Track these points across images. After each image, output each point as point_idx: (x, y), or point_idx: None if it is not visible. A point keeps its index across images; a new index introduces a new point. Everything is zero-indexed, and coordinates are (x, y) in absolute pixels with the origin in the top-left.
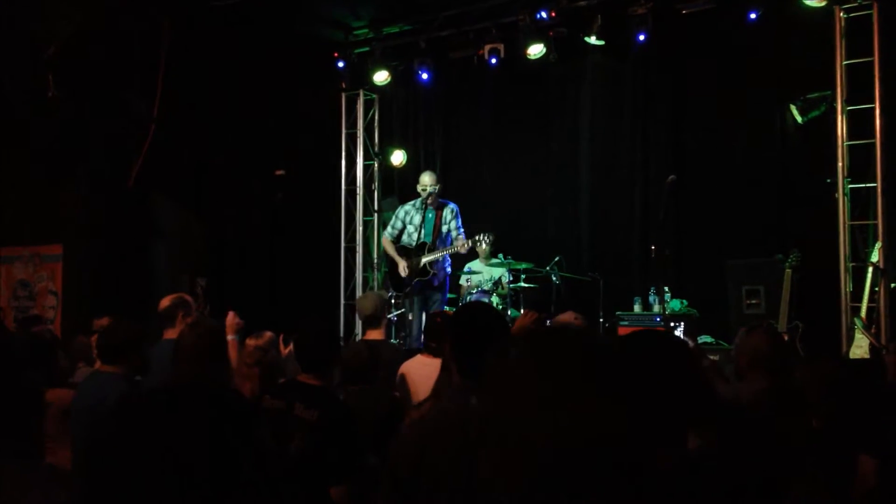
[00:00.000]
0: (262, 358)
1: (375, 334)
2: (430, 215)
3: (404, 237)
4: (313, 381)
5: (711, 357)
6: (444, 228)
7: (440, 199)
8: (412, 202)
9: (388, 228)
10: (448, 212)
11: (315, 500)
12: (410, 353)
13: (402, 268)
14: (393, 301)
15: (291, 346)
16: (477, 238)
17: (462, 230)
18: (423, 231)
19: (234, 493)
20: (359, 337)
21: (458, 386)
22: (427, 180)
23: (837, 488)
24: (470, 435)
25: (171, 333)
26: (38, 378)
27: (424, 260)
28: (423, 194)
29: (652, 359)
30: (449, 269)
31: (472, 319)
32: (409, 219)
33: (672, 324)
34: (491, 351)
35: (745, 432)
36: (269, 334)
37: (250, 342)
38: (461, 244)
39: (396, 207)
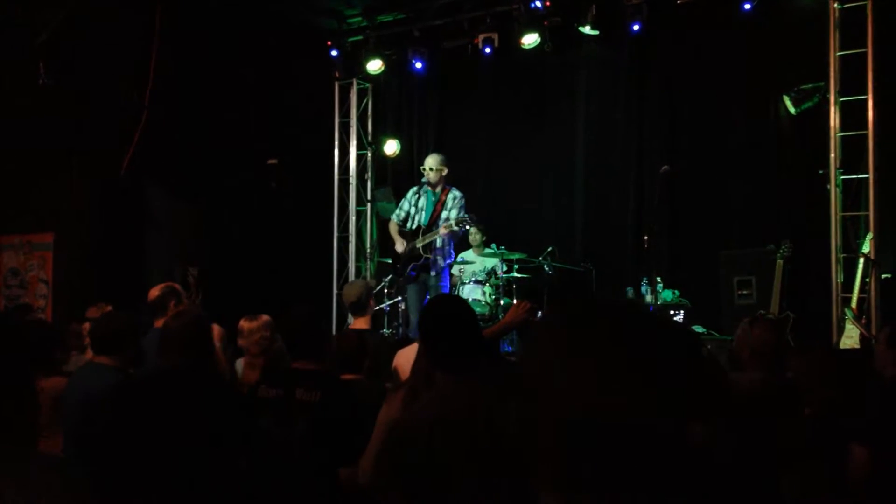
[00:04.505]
0: (269, 347)
1: (361, 323)
2: (433, 198)
3: (410, 222)
4: (309, 366)
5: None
6: (444, 214)
7: (446, 185)
8: (419, 185)
9: (396, 210)
10: (450, 198)
11: (324, 481)
12: (402, 343)
13: (398, 245)
14: (386, 290)
15: None
16: (463, 218)
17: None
18: (423, 214)
19: (227, 476)
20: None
21: (442, 379)
22: (428, 162)
23: (831, 477)
24: (480, 421)
25: (161, 322)
26: (36, 367)
27: (418, 244)
28: (424, 175)
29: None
30: (450, 260)
31: (439, 314)
32: (415, 200)
33: (671, 312)
34: (461, 343)
35: (744, 421)
36: (265, 317)
37: (244, 324)
38: (444, 228)
39: (390, 197)
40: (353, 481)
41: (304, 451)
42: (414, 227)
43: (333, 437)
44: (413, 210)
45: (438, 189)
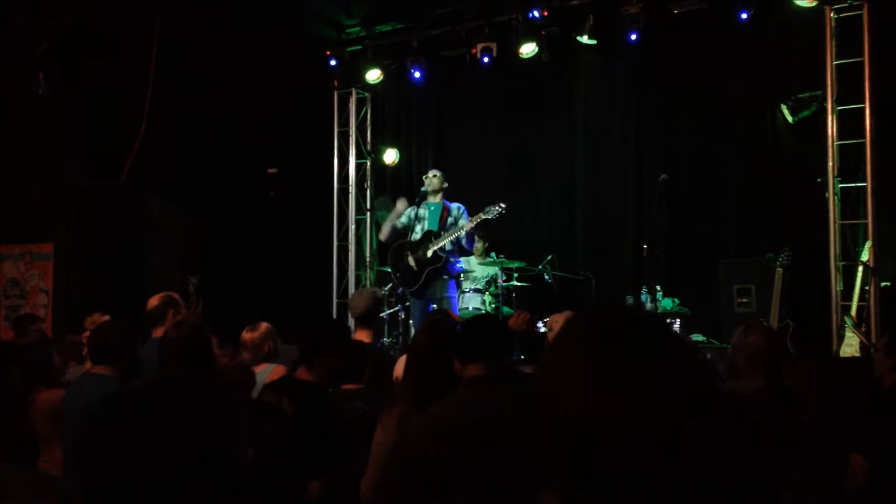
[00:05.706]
0: (224, 361)
1: (364, 335)
2: (438, 209)
3: (411, 233)
4: (305, 375)
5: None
6: (450, 220)
7: (445, 201)
8: (415, 204)
9: (396, 221)
10: (455, 208)
11: (291, 494)
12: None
13: (386, 228)
14: (387, 300)
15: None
16: (487, 210)
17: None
18: (426, 222)
19: (223, 481)
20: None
21: (474, 380)
22: (429, 175)
23: (829, 486)
24: (489, 430)
25: (160, 332)
26: (31, 378)
27: (433, 247)
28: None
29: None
30: (459, 269)
31: (478, 318)
32: (413, 214)
33: (668, 320)
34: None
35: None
36: (264, 325)
37: (245, 335)
38: (470, 222)
39: (389, 206)
40: (324, 494)
41: (276, 461)
42: (422, 235)
43: (302, 450)
44: (415, 222)
45: (438, 199)
